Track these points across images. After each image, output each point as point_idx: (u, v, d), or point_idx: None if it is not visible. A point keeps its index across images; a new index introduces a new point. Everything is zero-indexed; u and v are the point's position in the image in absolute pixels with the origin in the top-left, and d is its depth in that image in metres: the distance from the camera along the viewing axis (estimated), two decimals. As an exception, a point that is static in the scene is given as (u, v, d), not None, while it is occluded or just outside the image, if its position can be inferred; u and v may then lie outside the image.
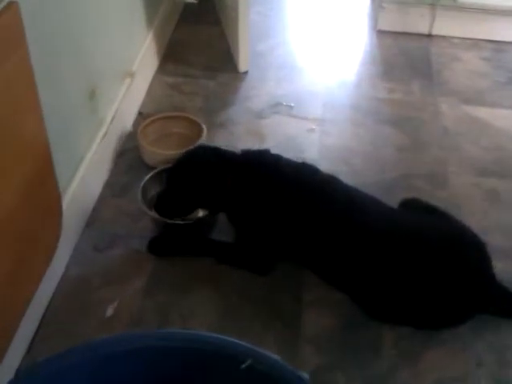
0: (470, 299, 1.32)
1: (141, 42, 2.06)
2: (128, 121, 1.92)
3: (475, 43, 2.45)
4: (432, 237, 1.35)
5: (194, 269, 1.49)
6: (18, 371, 1.23)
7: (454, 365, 1.31)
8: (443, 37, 2.47)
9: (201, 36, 2.42)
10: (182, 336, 0.96)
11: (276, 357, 0.89)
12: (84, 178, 1.54)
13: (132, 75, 1.92)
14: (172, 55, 2.30)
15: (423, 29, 2.48)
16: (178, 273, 1.48)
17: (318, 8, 2.71)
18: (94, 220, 1.61)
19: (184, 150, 1.55)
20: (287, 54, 2.38)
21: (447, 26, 2.45)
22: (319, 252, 1.41)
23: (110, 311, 1.38)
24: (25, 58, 1.06)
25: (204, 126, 1.80)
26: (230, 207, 1.49)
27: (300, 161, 1.50)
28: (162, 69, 2.23)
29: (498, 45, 2.44)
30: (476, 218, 1.62)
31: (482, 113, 2.06)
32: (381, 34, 2.50)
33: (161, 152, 1.73)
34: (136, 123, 1.92)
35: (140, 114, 1.99)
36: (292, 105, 2.07)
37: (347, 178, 1.50)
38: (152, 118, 1.85)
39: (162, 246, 1.53)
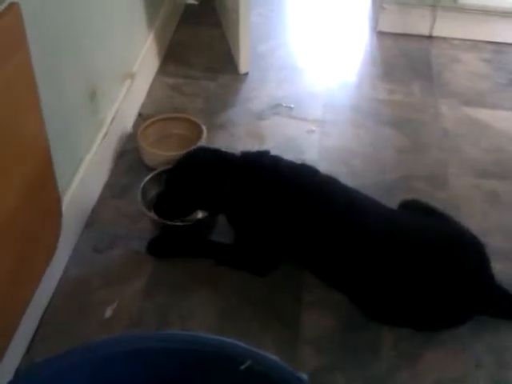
0: (469, 300, 1.32)
1: (141, 43, 2.06)
2: (128, 122, 1.93)
3: (476, 44, 2.45)
4: (431, 238, 1.35)
5: (193, 270, 1.49)
6: (17, 371, 1.23)
7: (454, 366, 1.31)
8: (444, 38, 2.47)
9: (201, 37, 2.42)
10: (182, 337, 0.96)
11: (275, 358, 0.89)
12: (84, 178, 1.54)
13: (132, 76, 1.92)
14: (173, 56, 2.30)
15: (424, 30, 2.48)
16: (178, 274, 1.48)
17: (319, 9, 2.71)
18: (93, 221, 1.61)
19: (184, 152, 1.55)
20: (288, 56, 2.38)
21: (448, 27, 2.45)
22: (319, 253, 1.41)
23: (109, 312, 1.38)
24: (26, 60, 1.06)
25: (204, 128, 1.80)
26: (230, 209, 1.49)
27: (300, 162, 1.50)
28: (162, 70, 2.23)
29: (499, 46, 2.44)
30: (476, 219, 1.62)
31: (483, 114, 2.06)
32: (381, 35, 2.50)
33: (161, 153, 1.73)
34: (136, 124, 1.92)
35: (140, 115, 1.99)
36: (292, 106, 2.07)
37: (347, 179, 1.50)
38: (152, 120, 1.85)
39: (162, 247, 1.53)
